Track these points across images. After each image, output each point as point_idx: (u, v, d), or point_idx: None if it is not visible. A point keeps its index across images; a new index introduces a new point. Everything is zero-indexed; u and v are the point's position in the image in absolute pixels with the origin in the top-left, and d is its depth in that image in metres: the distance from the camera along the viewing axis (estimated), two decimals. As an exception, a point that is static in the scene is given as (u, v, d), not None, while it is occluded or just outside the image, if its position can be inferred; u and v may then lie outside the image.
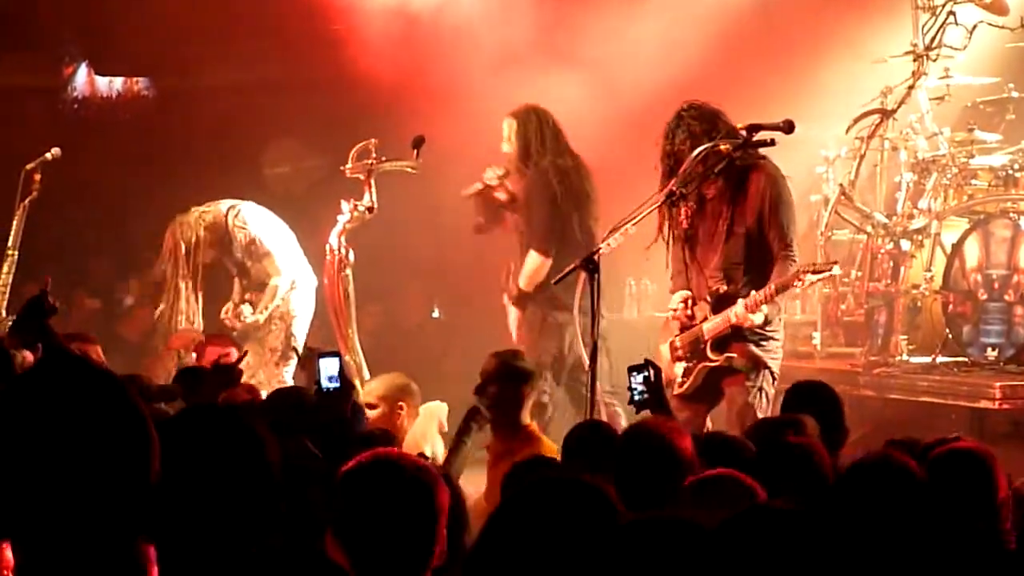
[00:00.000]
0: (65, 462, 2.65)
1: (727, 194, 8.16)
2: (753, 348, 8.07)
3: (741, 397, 8.06)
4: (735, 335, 8.07)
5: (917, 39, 10.59)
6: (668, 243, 8.31)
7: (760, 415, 7.72)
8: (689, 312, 8.26)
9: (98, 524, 2.66)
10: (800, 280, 7.88)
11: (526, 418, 7.27)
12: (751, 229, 8.12)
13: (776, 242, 8.06)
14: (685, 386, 8.23)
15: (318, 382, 6.16)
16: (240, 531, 3.32)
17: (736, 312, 7.95)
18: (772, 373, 8.06)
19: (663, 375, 6.92)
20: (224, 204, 10.64)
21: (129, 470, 2.70)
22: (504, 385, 7.19)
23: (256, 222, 10.58)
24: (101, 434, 2.67)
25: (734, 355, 8.07)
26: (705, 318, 8.17)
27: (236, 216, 10.56)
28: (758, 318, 7.94)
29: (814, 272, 7.89)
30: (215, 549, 3.22)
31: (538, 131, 9.88)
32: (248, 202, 10.66)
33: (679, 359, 8.29)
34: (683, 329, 8.29)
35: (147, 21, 13.46)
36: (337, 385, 6.12)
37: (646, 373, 6.62)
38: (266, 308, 10.46)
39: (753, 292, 7.92)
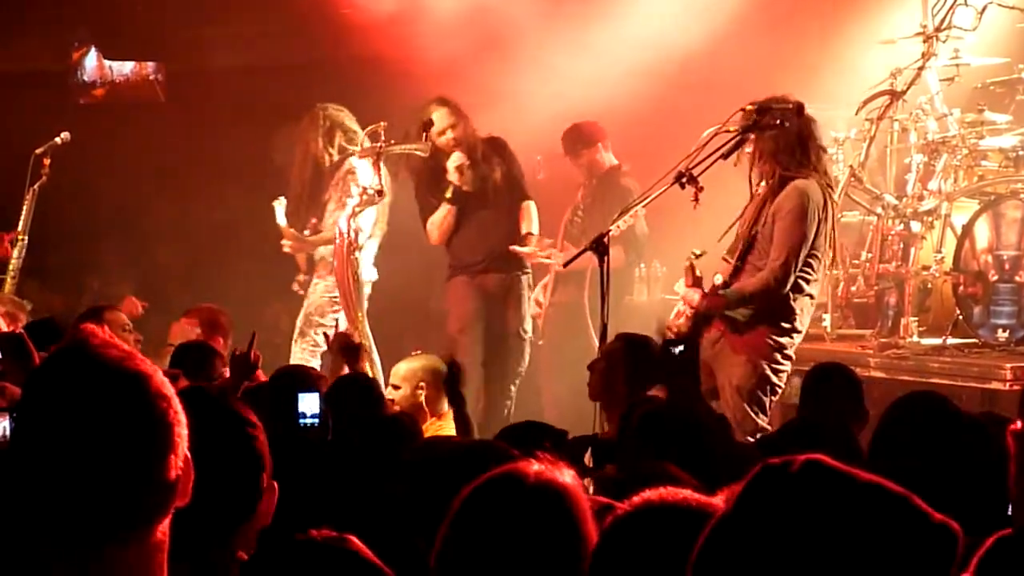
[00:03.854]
0: (85, 451, 2.64)
1: (767, 198, 8.20)
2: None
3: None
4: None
5: (927, 20, 10.56)
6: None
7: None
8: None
9: (114, 515, 2.65)
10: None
11: None
12: (758, 234, 8.16)
13: (772, 259, 8.10)
14: None
15: (296, 417, 5.87)
16: (226, 513, 3.33)
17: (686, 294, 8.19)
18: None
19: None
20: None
21: (145, 458, 2.69)
22: (625, 369, 7.05)
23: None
24: (118, 423, 2.67)
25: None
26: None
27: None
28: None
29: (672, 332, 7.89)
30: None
31: None
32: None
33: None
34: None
35: (156, 4, 13.48)
36: (316, 422, 5.86)
37: (679, 348, 6.60)
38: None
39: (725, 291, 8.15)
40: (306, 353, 10.43)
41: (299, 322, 10.69)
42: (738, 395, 8.09)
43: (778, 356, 8.18)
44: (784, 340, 8.20)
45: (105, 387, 2.68)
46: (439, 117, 10.20)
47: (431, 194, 10.39)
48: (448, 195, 10.28)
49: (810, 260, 8.16)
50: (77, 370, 2.69)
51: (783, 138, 8.16)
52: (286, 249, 10.71)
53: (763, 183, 8.32)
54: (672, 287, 11.18)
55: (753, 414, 7.98)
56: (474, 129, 10.33)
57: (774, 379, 8.13)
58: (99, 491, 2.61)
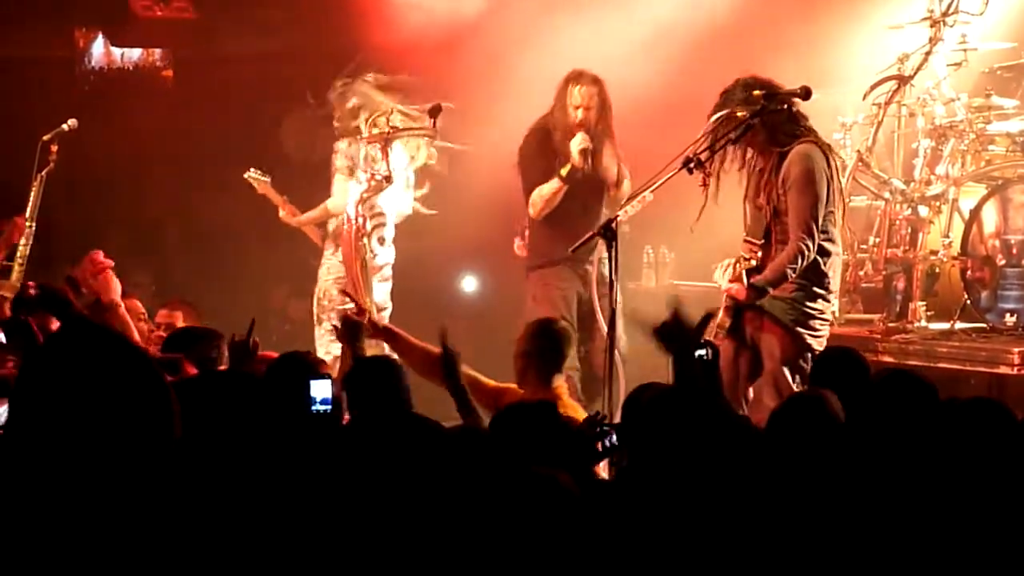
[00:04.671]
0: (88, 427, 2.66)
1: (768, 169, 8.21)
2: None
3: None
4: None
5: (934, 5, 10.55)
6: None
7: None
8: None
9: (122, 488, 2.67)
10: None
11: (558, 380, 7.54)
12: (774, 209, 8.17)
13: (792, 228, 8.10)
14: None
15: (308, 405, 5.70)
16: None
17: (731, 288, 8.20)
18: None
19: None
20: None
21: (151, 433, 2.71)
22: (542, 343, 7.52)
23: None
24: (123, 399, 2.68)
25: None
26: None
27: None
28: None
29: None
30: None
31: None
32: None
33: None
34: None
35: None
36: (328, 408, 5.71)
37: (700, 352, 6.57)
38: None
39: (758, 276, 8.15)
40: (325, 339, 10.46)
41: (314, 308, 10.77)
42: (780, 367, 8.11)
43: (816, 324, 8.20)
44: (820, 305, 8.22)
45: (123, 366, 2.70)
46: (583, 92, 9.91)
47: (535, 165, 10.07)
48: (564, 172, 9.89)
49: (828, 219, 8.18)
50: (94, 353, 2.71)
51: (779, 116, 8.19)
52: (283, 217, 10.93)
53: (755, 156, 8.33)
54: (680, 273, 11.21)
55: (795, 384, 8.00)
56: (611, 124, 10.07)
57: (814, 344, 8.14)
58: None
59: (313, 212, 10.95)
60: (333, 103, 10.81)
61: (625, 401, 5.60)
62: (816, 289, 8.20)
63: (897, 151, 11.05)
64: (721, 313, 8.28)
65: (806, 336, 8.16)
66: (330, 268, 10.78)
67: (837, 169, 8.43)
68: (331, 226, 10.82)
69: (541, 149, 10.02)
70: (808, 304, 8.19)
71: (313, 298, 10.86)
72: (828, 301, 8.31)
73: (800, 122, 8.29)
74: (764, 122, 8.13)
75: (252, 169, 10.99)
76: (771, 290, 8.08)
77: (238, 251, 12.47)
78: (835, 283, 8.37)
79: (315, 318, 10.69)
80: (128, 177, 13.10)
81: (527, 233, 10.30)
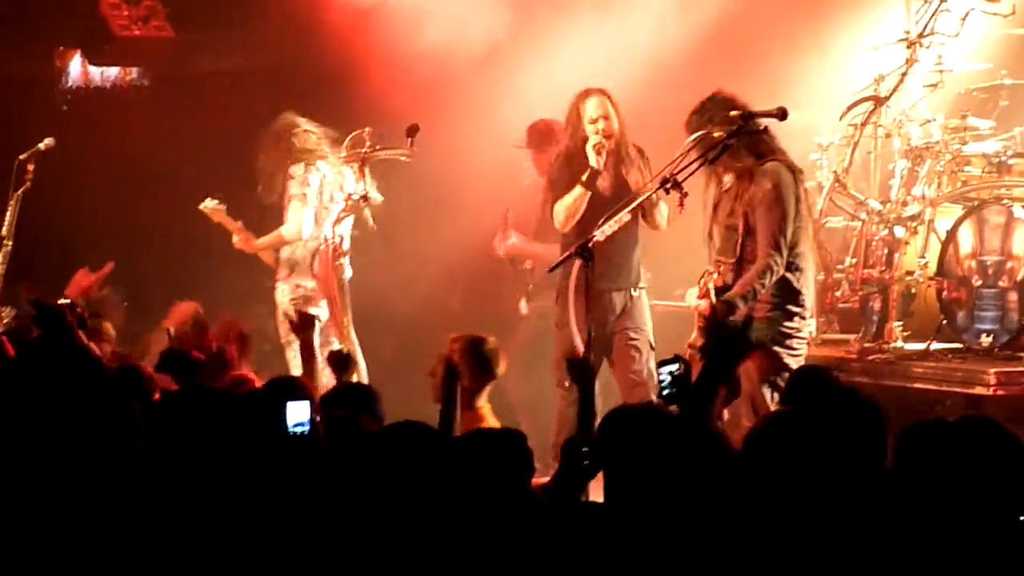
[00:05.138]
0: (46, 441, 2.66)
1: (736, 189, 8.25)
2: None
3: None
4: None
5: (910, 26, 10.60)
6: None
7: None
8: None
9: (89, 501, 2.67)
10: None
11: (481, 399, 7.68)
12: (744, 227, 8.20)
13: (761, 244, 8.13)
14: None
15: (284, 427, 5.66)
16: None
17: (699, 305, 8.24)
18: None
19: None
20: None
21: (112, 449, 2.71)
22: (473, 362, 7.63)
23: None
24: (84, 414, 2.69)
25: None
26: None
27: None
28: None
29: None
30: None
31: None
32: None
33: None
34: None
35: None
36: (307, 429, 5.69)
37: (673, 368, 6.54)
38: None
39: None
40: (297, 360, 10.44)
41: (280, 330, 10.79)
42: (758, 387, 8.12)
43: (793, 343, 8.24)
44: (797, 323, 8.26)
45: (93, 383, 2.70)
46: (595, 104, 9.56)
47: (564, 188, 9.63)
48: (584, 178, 9.46)
49: (798, 234, 8.21)
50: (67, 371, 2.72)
51: (752, 137, 8.24)
52: (237, 244, 10.97)
53: (729, 177, 8.37)
54: (658, 293, 11.21)
55: (773, 404, 7.99)
56: (626, 132, 9.67)
57: (792, 364, 8.15)
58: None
59: (267, 238, 10.94)
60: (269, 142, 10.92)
61: (601, 423, 5.59)
62: (791, 307, 8.24)
63: (873, 172, 11.08)
64: (694, 333, 8.31)
65: (784, 355, 8.19)
66: (283, 291, 10.80)
67: (805, 189, 8.49)
68: (284, 253, 10.83)
69: (567, 174, 9.76)
70: (785, 323, 8.22)
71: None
72: (804, 319, 8.34)
73: (770, 143, 8.33)
74: (738, 142, 8.17)
75: (208, 199, 11.02)
76: (742, 305, 8.08)
77: (216, 269, 12.42)
78: (809, 299, 8.40)
79: (284, 340, 10.70)
80: (106, 195, 13.06)
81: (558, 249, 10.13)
